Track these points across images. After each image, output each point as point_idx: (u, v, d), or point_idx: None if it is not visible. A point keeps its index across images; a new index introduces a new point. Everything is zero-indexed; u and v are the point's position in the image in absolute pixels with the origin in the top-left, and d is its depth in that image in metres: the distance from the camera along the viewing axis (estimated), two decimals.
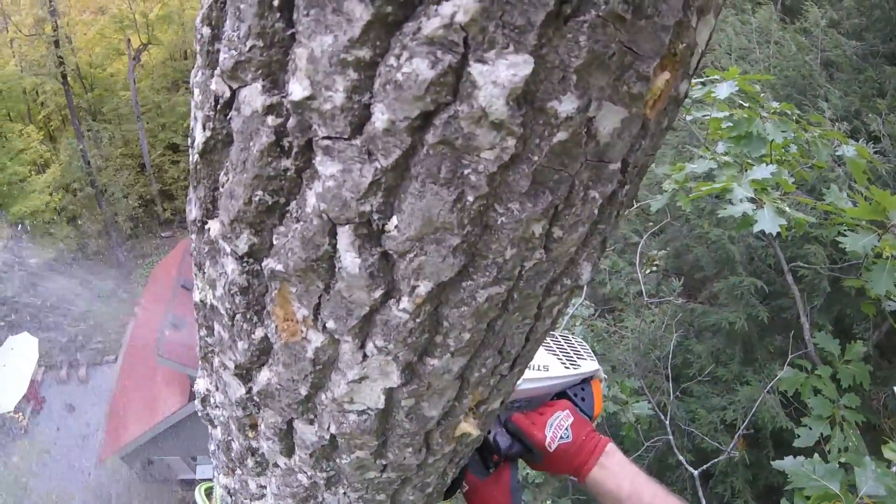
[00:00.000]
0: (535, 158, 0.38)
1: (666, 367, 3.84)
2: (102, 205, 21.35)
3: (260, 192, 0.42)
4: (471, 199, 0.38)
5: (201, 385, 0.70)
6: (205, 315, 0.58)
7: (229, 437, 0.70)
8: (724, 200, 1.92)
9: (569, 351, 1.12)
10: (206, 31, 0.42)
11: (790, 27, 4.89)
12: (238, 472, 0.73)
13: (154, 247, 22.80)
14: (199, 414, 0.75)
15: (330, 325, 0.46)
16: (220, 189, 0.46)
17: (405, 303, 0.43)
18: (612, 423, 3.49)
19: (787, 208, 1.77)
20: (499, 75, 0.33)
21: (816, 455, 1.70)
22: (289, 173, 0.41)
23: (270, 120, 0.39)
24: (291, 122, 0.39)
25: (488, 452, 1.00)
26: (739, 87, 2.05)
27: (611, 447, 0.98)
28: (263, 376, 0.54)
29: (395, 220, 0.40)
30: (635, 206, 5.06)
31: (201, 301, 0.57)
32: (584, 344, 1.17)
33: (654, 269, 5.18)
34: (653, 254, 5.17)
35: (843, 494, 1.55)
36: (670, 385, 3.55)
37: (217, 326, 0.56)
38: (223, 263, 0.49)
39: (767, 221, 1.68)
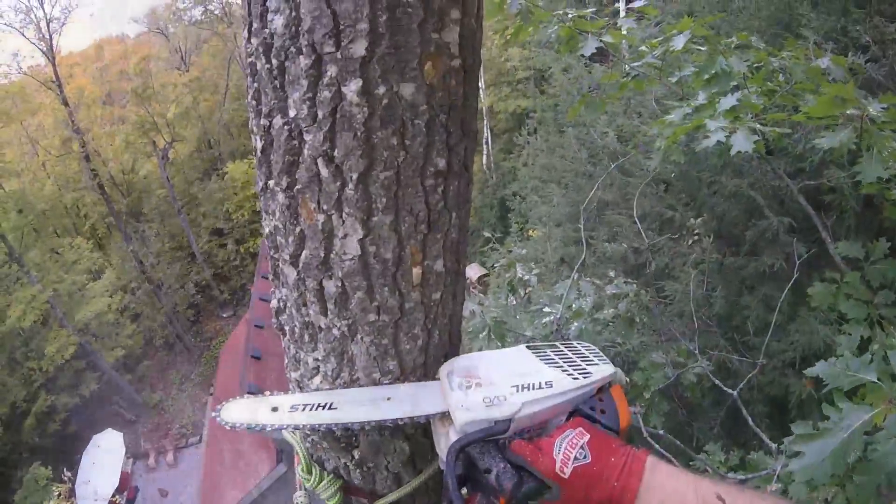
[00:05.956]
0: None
1: (715, 324, 3.83)
2: (161, 298, 22.42)
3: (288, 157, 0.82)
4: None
5: (274, 301, 0.99)
6: (272, 240, 0.91)
7: (293, 325, 0.97)
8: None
9: (574, 359, 0.97)
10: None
11: None
12: (301, 355, 0.99)
13: (217, 329, 23.72)
14: (274, 326, 1.01)
15: (325, 207, 0.82)
16: (272, 167, 0.84)
17: (350, 186, 0.80)
18: (674, 384, 3.51)
19: (760, 127, 1.79)
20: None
21: (847, 352, 1.58)
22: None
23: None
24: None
25: (494, 496, 0.84)
26: (695, 34, 2.13)
27: (652, 461, 0.81)
28: (304, 251, 0.87)
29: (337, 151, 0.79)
30: (651, 177, 5.13)
31: (270, 232, 0.91)
32: (593, 347, 1.02)
33: (696, 237, 5.18)
34: (691, 223, 5.19)
35: (884, 384, 1.47)
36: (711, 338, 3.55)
37: (280, 238, 0.89)
38: (277, 199, 0.85)
39: (741, 142, 1.73)
